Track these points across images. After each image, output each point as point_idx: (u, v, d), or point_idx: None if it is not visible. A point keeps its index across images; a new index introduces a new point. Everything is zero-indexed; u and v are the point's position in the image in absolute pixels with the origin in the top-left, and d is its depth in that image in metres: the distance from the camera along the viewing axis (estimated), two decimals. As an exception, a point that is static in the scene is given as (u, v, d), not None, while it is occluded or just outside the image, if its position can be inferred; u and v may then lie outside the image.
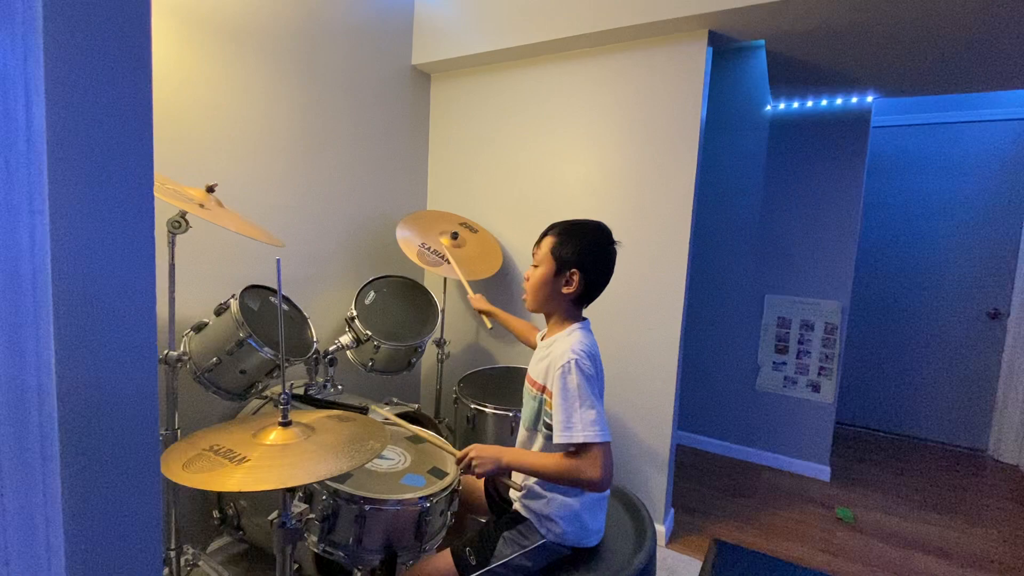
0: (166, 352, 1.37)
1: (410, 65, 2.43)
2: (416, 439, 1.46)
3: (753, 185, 2.85)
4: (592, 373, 1.09)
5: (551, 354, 1.16)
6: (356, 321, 1.79)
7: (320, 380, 1.71)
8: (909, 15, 1.69)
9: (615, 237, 1.21)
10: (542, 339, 1.28)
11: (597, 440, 1.03)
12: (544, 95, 2.23)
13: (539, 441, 1.19)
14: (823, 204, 2.70)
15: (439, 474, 1.28)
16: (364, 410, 1.31)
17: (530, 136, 2.28)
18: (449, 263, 2.06)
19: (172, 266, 1.36)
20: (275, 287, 1.42)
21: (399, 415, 1.64)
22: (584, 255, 1.16)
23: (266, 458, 0.90)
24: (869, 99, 2.57)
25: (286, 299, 1.72)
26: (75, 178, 0.50)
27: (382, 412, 1.38)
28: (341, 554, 1.16)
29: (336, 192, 2.14)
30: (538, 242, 1.23)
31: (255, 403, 1.71)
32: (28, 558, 0.51)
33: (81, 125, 0.50)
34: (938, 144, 3.17)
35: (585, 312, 1.25)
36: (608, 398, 2.02)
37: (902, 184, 3.27)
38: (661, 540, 2.07)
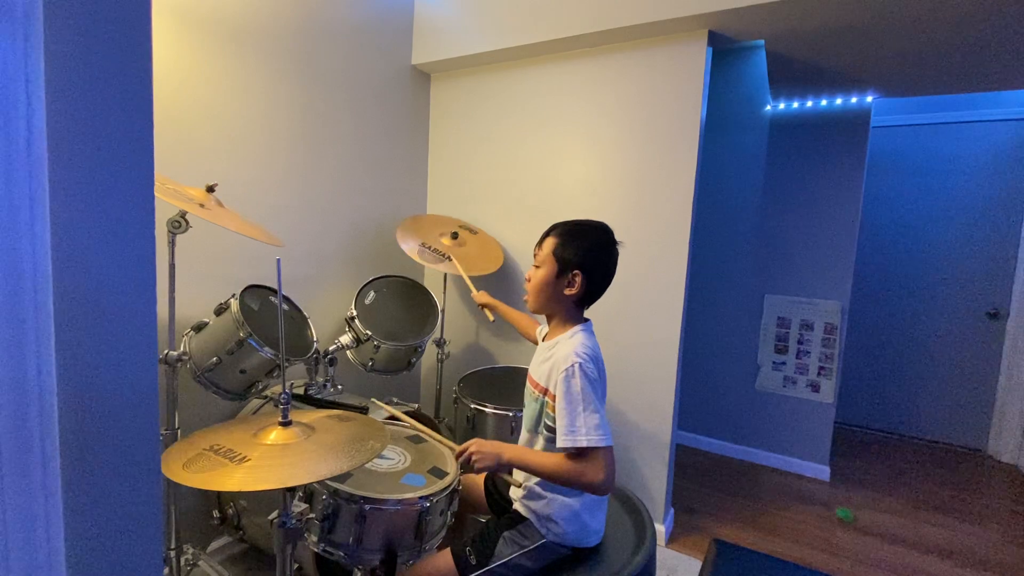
0: (166, 352, 1.37)
1: (410, 65, 2.43)
2: (416, 439, 1.46)
3: (753, 185, 2.85)
4: (595, 376, 1.09)
5: (554, 356, 1.16)
6: (356, 321, 1.79)
7: (320, 380, 1.71)
8: (909, 15, 1.69)
9: (616, 237, 1.21)
10: (543, 339, 1.27)
11: (600, 445, 1.03)
12: (544, 95, 2.23)
13: (540, 443, 1.19)
14: (823, 204, 2.70)
15: (439, 474, 1.28)
16: (364, 410, 1.32)
17: (530, 136, 2.28)
18: (451, 260, 2.06)
19: (172, 266, 1.36)
20: (275, 287, 1.42)
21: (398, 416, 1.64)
22: (587, 256, 1.16)
23: (266, 458, 0.90)
24: (869, 99, 2.58)
25: (286, 299, 1.72)
26: (76, 178, 0.50)
27: (385, 408, 1.37)
28: (341, 554, 1.16)
29: (336, 192, 2.14)
30: (540, 242, 1.22)
31: (255, 403, 1.71)
32: (28, 558, 0.51)
33: (82, 125, 0.50)
34: (938, 144, 3.17)
35: (585, 312, 1.25)
36: (608, 398, 2.02)
37: (902, 184, 3.27)
38: (661, 540, 2.07)
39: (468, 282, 1.96)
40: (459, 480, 1.30)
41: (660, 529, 2.07)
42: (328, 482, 1.15)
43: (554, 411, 1.12)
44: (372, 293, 1.98)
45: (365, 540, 1.14)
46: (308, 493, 1.19)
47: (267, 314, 1.61)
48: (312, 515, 1.09)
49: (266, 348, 1.39)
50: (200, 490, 1.68)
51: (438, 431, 1.58)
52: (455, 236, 2.18)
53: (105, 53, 0.51)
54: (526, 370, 1.32)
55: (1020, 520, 2.41)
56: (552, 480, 1.11)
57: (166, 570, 1.48)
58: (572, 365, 1.08)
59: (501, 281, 2.38)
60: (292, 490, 0.99)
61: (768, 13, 1.70)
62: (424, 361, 2.61)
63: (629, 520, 1.34)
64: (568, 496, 1.16)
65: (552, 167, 2.23)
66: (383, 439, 1.02)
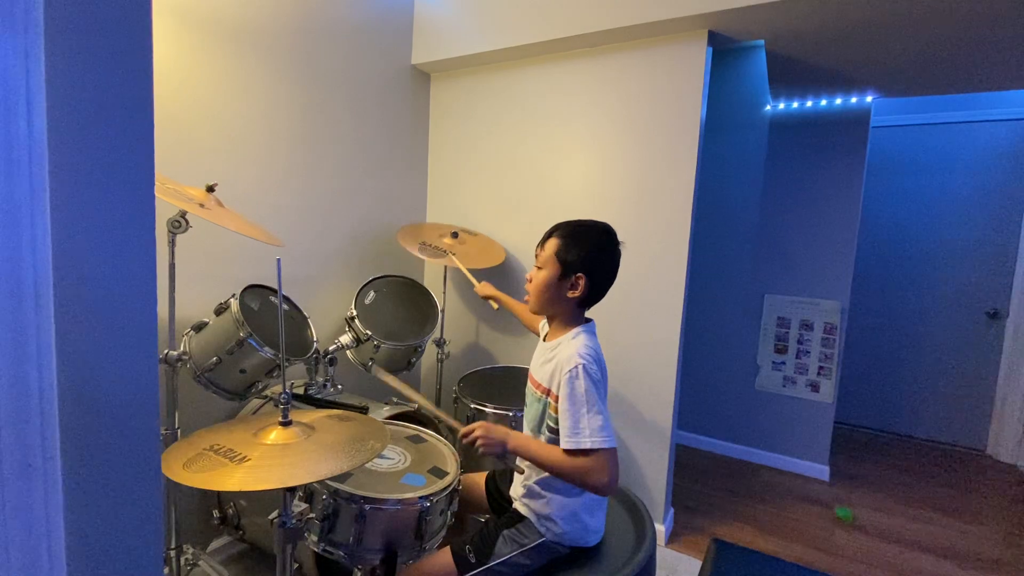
0: (166, 352, 1.37)
1: (410, 65, 2.43)
2: (416, 439, 1.46)
3: (753, 185, 2.85)
4: (599, 377, 1.09)
5: (556, 357, 1.15)
6: (356, 321, 1.79)
7: (320, 380, 1.71)
8: (909, 15, 1.69)
9: (618, 237, 1.20)
10: (544, 339, 1.27)
11: (604, 446, 1.03)
12: (544, 95, 2.23)
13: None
14: (822, 204, 2.70)
15: (439, 473, 1.28)
16: (364, 410, 1.32)
17: (530, 135, 2.28)
18: (452, 256, 2.06)
19: (172, 266, 1.36)
20: (275, 287, 1.42)
21: (398, 415, 1.65)
22: (590, 259, 1.15)
23: (266, 458, 0.90)
24: (869, 99, 2.58)
25: (286, 299, 1.72)
26: (76, 178, 0.50)
27: (419, 401, 1.30)
28: (341, 553, 1.16)
29: (336, 192, 2.14)
30: (542, 243, 1.20)
31: (255, 402, 1.71)
32: (29, 558, 0.51)
33: (82, 125, 0.50)
34: (938, 144, 3.17)
35: (587, 312, 1.24)
36: (608, 398, 2.02)
37: (902, 184, 3.27)
38: (661, 539, 2.07)
39: (468, 275, 1.95)
40: (459, 480, 1.30)
41: (660, 529, 2.07)
42: (328, 482, 1.15)
43: (557, 412, 1.12)
44: (372, 293, 1.98)
45: (365, 540, 1.14)
46: (308, 493, 1.19)
47: (267, 314, 1.61)
48: (312, 515, 1.09)
49: (266, 348, 1.39)
50: (200, 490, 1.68)
51: (438, 431, 1.58)
52: (455, 236, 2.18)
53: (105, 53, 0.51)
54: (526, 370, 1.32)
55: (1020, 520, 2.41)
56: (555, 474, 1.11)
57: (166, 570, 1.48)
58: (576, 366, 1.07)
59: (501, 280, 2.38)
60: (292, 490, 0.99)
61: (768, 13, 1.70)
62: (424, 361, 2.61)
63: (629, 520, 1.34)
64: (567, 496, 1.16)
65: (552, 167, 2.23)
66: (383, 439, 1.02)
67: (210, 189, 1.42)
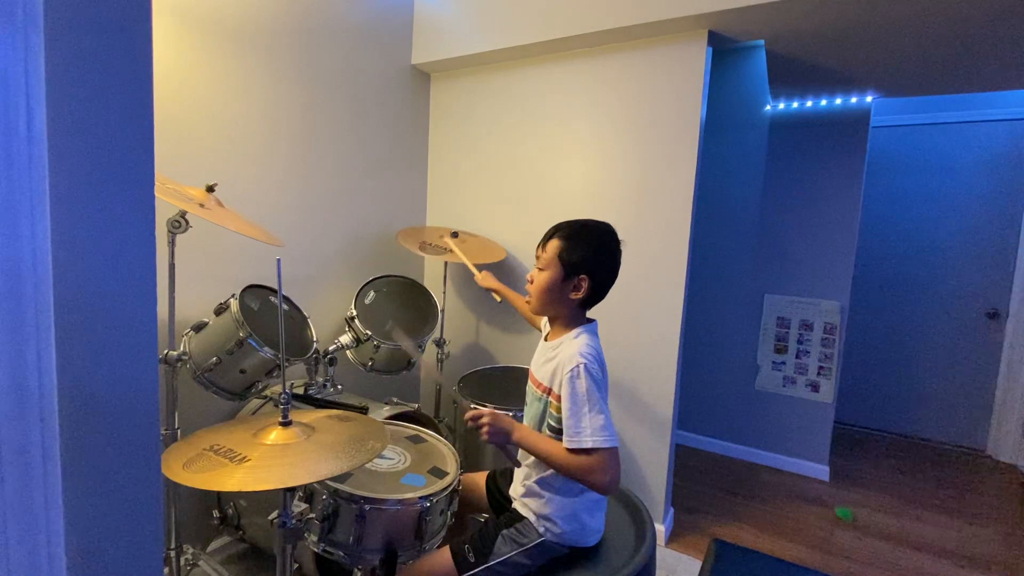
0: (166, 352, 1.37)
1: (410, 65, 2.43)
2: (416, 439, 1.46)
3: (753, 185, 2.85)
4: (600, 377, 1.09)
5: (558, 356, 1.15)
6: (356, 321, 1.79)
7: (320, 380, 1.71)
8: (909, 15, 1.69)
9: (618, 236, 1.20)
10: (546, 338, 1.27)
11: (605, 446, 1.03)
12: (544, 95, 2.23)
13: None
14: (823, 204, 2.71)
15: (439, 474, 1.28)
16: (364, 410, 1.32)
17: (530, 135, 2.28)
18: (453, 251, 2.07)
19: (172, 266, 1.36)
20: (275, 287, 1.42)
21: (398, 415, 1.65)
22: (593, 260, 1.14)
23: (266, 458, 0.90)
24: (869, 99, 2.58)
25: (286, 299, 1.72)
26: (76, 178, 0.50)
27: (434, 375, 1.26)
28: (341, 554, 1.16)
29: (336, 191, 2.14)
30: (543, 244, 1.19)
31: (255, 403, 1.72)
32: (28, 558, 0.51)
33: (82, 125, 0.50)
34: (938, 144, 3.17)
35: (588, 312, 1.24)
36: (608, 398, 2.03)
37: (902, 184, 3.27)
38: (661, 540, 2.07)
39: (470, 266, 1.96)
40: (459, 480, 1.30)
41: (660, 529, 2.07)
42: (328, 482, 1.15)
43: (557, 411, 1.12)
44: (372, 293, 1.98)
45: (365, 540, 1.14)
46: (308, 493, 1.19)
47: (267, 314, 1.61)
48: (312, 515, 1.09)
49: (266, 348, 1.39)
50: (200, 490, 1.68)
51: (438, 432, 1.58)
52: (455, 235, 2.18)
53: (105, 53, 0.51)
54: (526, 370, 1.32)
55: (1020, 520, 2.41)
56: (558, 471, 1.11)
57: (166, 570, 1.48)
58: (577, 366, 1.07)
59: (501, 280, 2.37)
60: (292, 490, 0.99)
61: (768, 13, 1.70)
62: (424, 361, 2.61)
63: (629, 519, 1.34)
64: (567, 496, 1.16)
65: (552, 166, 2.23)
66: (383, 439, 1.02)
67: (210, 189, 1.41)
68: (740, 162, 2.87)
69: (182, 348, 1.43)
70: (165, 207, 1.21)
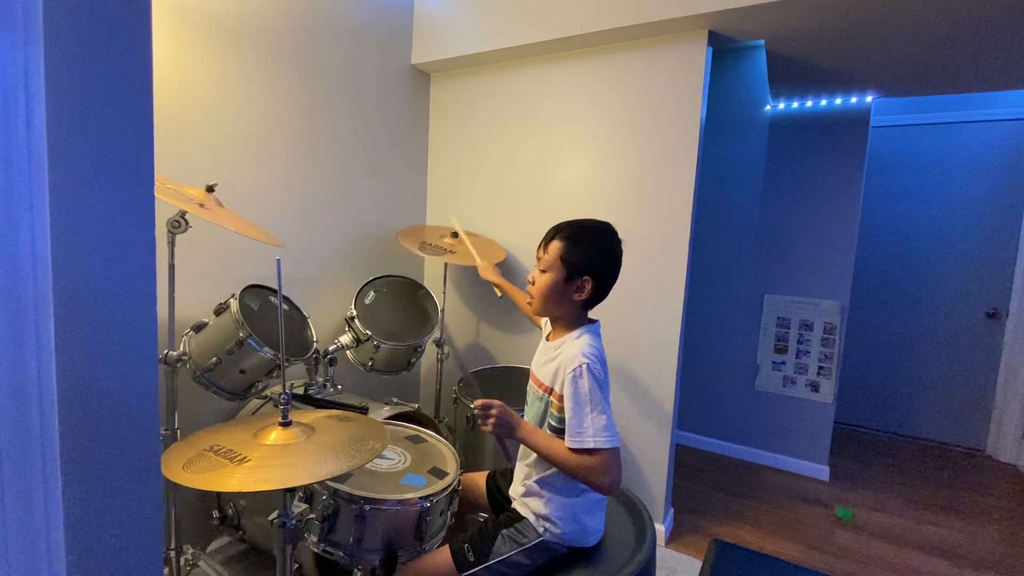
0: (166, 352, 1.37)
1: (410, 65, 2.43)
2: (416, 439, 1.46)
3: (753, 185, 2.85)
4: (602, 378, 1.09)
5: (560, 356, 1.15)
6: (356, 321, 1.79)
7: (320, 380, 1.71)
8: (909, 15, 1.69)
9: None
10: (547, 338, 1.27)
11: (607, 446, 1.03)
12: (544, 95, 2.23)
13: None
14: (822, 204, 2.71)
15: (439, 474, 1.28)
16: (364, 410, 1.32)
17: (530, 135, 2.28)
18: (460, 237, 2.08)
19: (172, 266, 1.36)
20: (275, 287, 1.42)
21: (398, 415, 1.65)
22: (596, 261, 1.14)
23: (266, 458, 0.90)
24: (869, 99, 2.58)
25: (286, 299, 1.72)
26: (75, 178, 0.50)
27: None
28: (341, 554, 1.16)
29: (336, 191, 2.14)
30: (544, 245, 1.19)
31: (255, 403, 1.71)
32: (28, 558, 0.51)
33: (81, 125, 0.50)
34: (938, 144, 3.17)
35: (590, 313, 1.24)
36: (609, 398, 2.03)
37: (902, 184, 3.27)
38: (661, 540, 2.07)
39: (475, 255, 1.97)
40: (459, 480, 1.30)
41: (660, 529, 2.07)
42: (328, 482, 1.15)
43: (559, 410, 1.12)
44: (372, 293, 1.98)
45: (365, 540, 1.14)
46: (308, 493, 1.19)
47: (267, 314, 1.61)
48: (312, 515, 1.09)
49: (266, 348, 1.39)
50: (200, 490, 1.68)
51: (438, 431, 1.58)
52: (455, 236, 2.18)
53: (105, 53, 0.51)
54: (526, 370, 1.32)
55: (1020, 520, 2.41)
56: (560, 469, 1.11)
57: (166, 570, 1.47)
58: (580, 366, 1.07)
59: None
60: (292, 490, 0.99)
61: (768, 13, 1.70)
62: (424, 361, 2.61)
63: (629, 520, 1.34)
64: (567, 496, 1.16)
65: (552, 166, 2.23)
66: (383, 439, 1.02)
67: (210, 189, 1.41)
68: (740, 162, 2.87)
69: (182, 348, 1.43)
70: (165, 207, 1.21)
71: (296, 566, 1.40)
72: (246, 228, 1.42)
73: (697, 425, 3.09)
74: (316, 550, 1.18)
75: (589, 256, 1.14)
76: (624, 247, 1.21)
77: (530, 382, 1.27)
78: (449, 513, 1.27)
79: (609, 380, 1.15)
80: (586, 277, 1.14)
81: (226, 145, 1.73)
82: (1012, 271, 3.03)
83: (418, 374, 2.70)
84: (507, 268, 2.36)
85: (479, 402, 1.14)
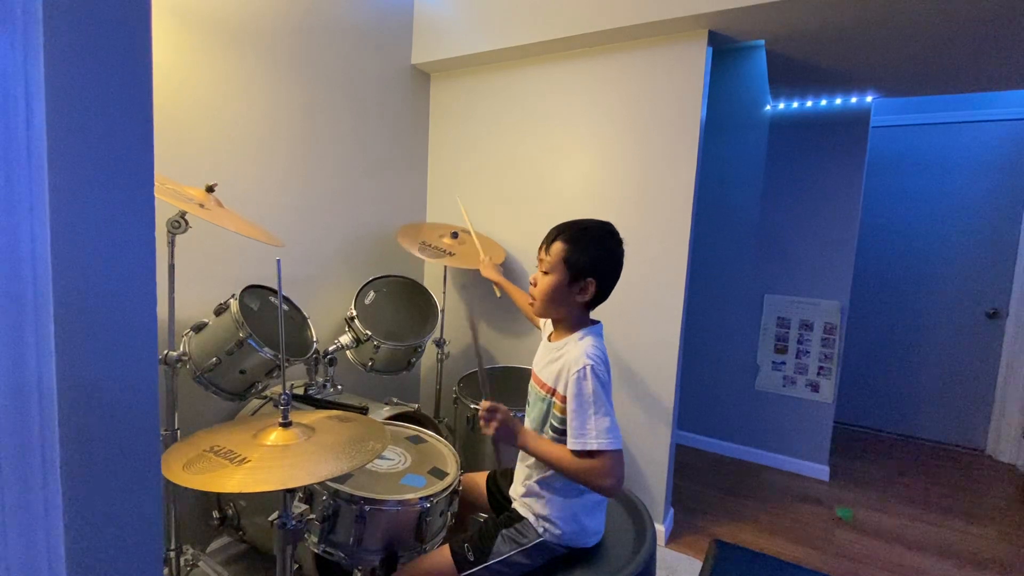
0: (166, 352, 1.37)
1: (410, 65, 2.43)
2: (416, 439, 1.46)
3: (753, 185, 2.85)
4: (606, 379, 1.09)
5: (563, 357, 1.15)
6: (356, 321, 1.79)
7: (320, 380, 1.71)
8: (910, 15, 1.69)
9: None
10: (549, 339, 1.26)
11: (610, 448, 1.03)
12: (544, 95, 2.23)
13: None
14: (822, 204, 2.70)
15: (439, 474, 1.28)
16: (364, 410, 1.32)
17: (530, 135, 2.28)
18: (458, 236, 2.09)
19: (172, 266, 1.36)
20: (275, 287, 1.42)
21: (398, 416, 1.65)
22: (599, 262, 1.14)
23: (267, 459, 0.90)
24: (869, 99, 2.58)
25: (286, 299, 1.72)
26: (75, 178, 0.50)
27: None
28: (341, 554, 1.16)
29: (336, 191, 2.14)
30: (546, 247, 1.18)
31: (254, 403, 1.71)
32: (28, 558, 0.51)
33: (81, 125, 0.50)
34: (938, 144, 3.17)
35: (591, 313, 1.24)
36: (608, 398, 2.03)
37: (902, 184, 3.27)
38: (661, 540, 2.07)
39: (479, 246, 1.99)
40: (459, 480, 1.30)
41: (660, 529, 2.07)
42: (328, 483, 1.15)
43: (561, 412, 1.12)
44: (372, 293, 1.98)
45: (365, 541, 1.14)
46: (308, 494, 1.19)
47: (267, 314, 1.61)
48: (312, 516, 1.09)
49: (266, 348, 1.39)
50: (200, 490, 1.68)
51: (438, 432, 1.58)
52: (455, 236, 2.18)
53: (105, 53, 0.51)
54: (526, 370, 1.32)
55: (1019, 520, 2.41)
56: (563, 474, 1.11)
57: (166, 570, 1.47)
58: (584, 367, 1.07)
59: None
60: (292, 491, 0.99)
61: (768, 13, 1.70)
62: (424, 361, 2.60)
63: (629, 520, 1.34)
64: (567, 497, 1.16)
65: (552, 167, 2.23)
66: (383, 440, 1.02)
67: (210, 189, 1.41)
68: (740, 162, 2.87)
69: (182, 348, 1.43)
70: (165, 207, 1.20)
71: (296, 567, 1.40)
72: (246, 228, 1.42)
73: (697, 425, 3.09)
74: (316, 550, 1.18)
75: (592, 257, 1.14)
76: (624, 247, 1.20)
77: (532, 382, 1.27)
78: (449, 514, 1.26)
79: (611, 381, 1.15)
80: (590, 279, 1.13)
81: (226, 145, 1.73)
82: (1012, 271, 3.03)
83: (418, 374, 2.70)
84: (507, 268, 2.36)
85: (486, 404, 1.13)
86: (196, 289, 1.65)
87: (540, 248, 1.20)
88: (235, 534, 1.65)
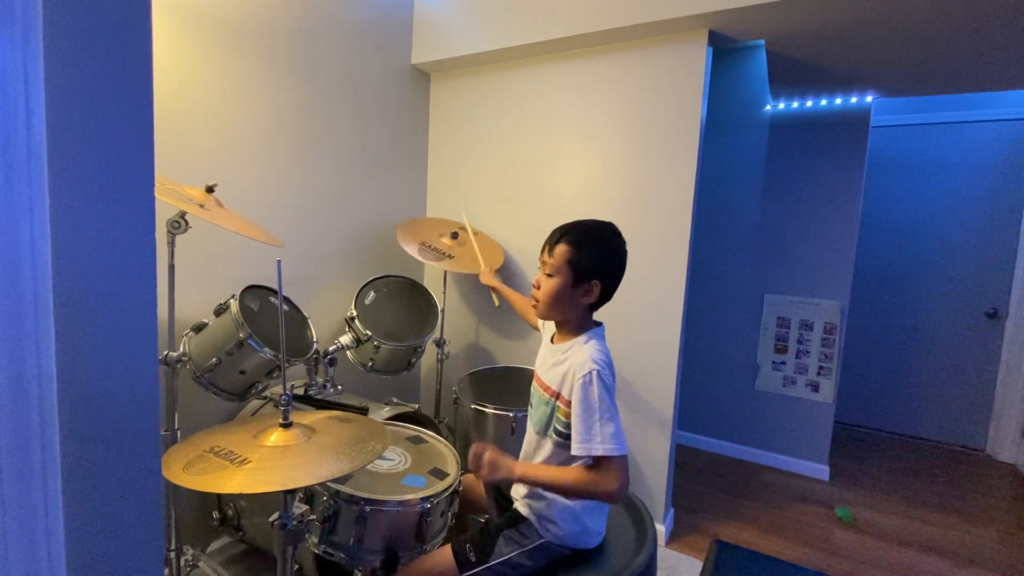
0: (166, 353, 1.37)
1: (410, 65, 2.43)
2: (417, 439, 1.45)
3: (753, 185, 2.85)
4: (612, 384, 1.08)
5: (568, 360, 1.13)
6: (356, 321, 1.79)
7: (320, 380, 1.71)
8: (910, 15, 1.69)
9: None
10: (552, 341, 1.25)
11: (615, 453, 1.02)
12: (544, 95, 2.23)
13: (549, 446, 1.16)
14: (823, 204, 2.70)
15: (440, 475, 1.28)
16: (364, 410, 1.31)
17: (530, 135, 2.28)
18: (452, 258, 2.08)
19: (172, 266, 1.36)
20: (275, 287, 1.42)
21: (398, 416, 1.64)
22: (604, 263, 1.13)
23: (267, 460, 0.90)
24: (869, 99, 2.58)
25: (286, 299, 1.72)
26: (75, 178, 0.50)
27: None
28: (342, 555, 1.16)
29: (336, 192, 2.14)
30: (549, 249, 1.16)
31: (254, 403, 1.71)
32: (28, 558, 0.51)
33: (81, 125, 0.50)
34: (938, 144, 3.17)
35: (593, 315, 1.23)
36: (608, 398, 2.03)
37: (902, 184, 3.27)
38: (661, 540, 2.07)
39: (480, 258, 1.99)
40: (460, 481, 1.29)
41: (660, 529, 2.07)
42: (329, 483, 1.15)
43: (566, 416, 1.11)
44: (372, 293, 1.98)
45: (366, 541, 1.14)
46: (309, 494, 1.19)
47: (267, 314, 1.61)
48: (313, 516, 1.09)
49: (266, 349, 1.39)
50: (200, 491, 1.68)
51: (438, 432, 1.58)
52: (455, 236, 2.18)
53: (105, 53, 0.51)
54: (525, 370, 1.31)
55: (1019, 520, 2.41)
56: (566, 495, 1.10)
57: (166, 570, 1.47)
58: (590, 372, 1.06)
59: (502, 281, 2.37)
60: (293, 492, 0.99)
61: (768, 13, 1.70)
62: (424, 361, 2.60)
63: (629, 520, 1.34)
64: (568, 498, 1.16)
65: (552, 167, 2.23)
66: (384, 440, 1.02)
67: (210, 190, 1.41)
68: (740, 162, 2.87)
69: (182, 349, 1.43)
70: (165, 207, 1.20)
71: (297, 567, 1.40)
72: (246, 228, 1.42)
73: (697, 425, 3.09)
74: (317, 551, 1.18)
75: (596, 258, 1.13)
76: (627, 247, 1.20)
77: (534, 385, 1.26)
78: (450, 514, 1.26)
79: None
80: (594, 280, 1.12)
81: (226, 145, 1.73)
82: (1012, 271, 3.03)
83: (418, 374, 2.70)
84: (507, 268, 2.36)
85: (474, 450, 1.11)
86: (196, 289, 1.65)
87: (543, 250, 1.18)
88: (235, 534, 1.65)
